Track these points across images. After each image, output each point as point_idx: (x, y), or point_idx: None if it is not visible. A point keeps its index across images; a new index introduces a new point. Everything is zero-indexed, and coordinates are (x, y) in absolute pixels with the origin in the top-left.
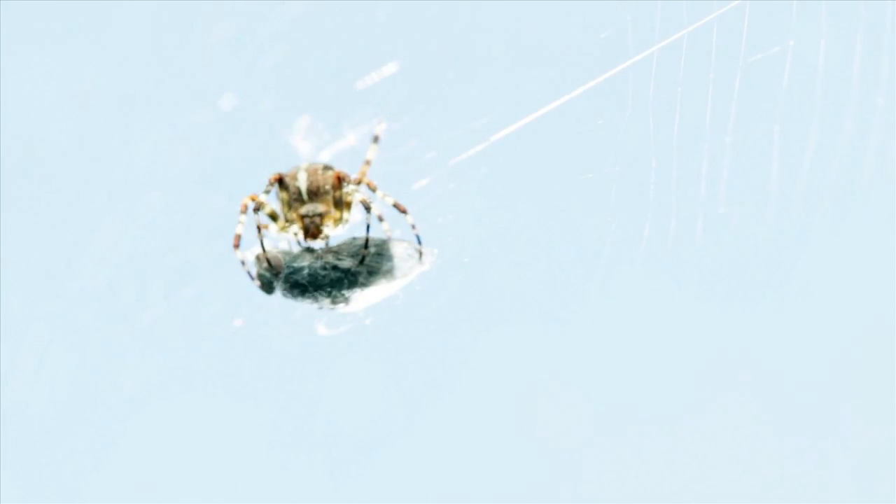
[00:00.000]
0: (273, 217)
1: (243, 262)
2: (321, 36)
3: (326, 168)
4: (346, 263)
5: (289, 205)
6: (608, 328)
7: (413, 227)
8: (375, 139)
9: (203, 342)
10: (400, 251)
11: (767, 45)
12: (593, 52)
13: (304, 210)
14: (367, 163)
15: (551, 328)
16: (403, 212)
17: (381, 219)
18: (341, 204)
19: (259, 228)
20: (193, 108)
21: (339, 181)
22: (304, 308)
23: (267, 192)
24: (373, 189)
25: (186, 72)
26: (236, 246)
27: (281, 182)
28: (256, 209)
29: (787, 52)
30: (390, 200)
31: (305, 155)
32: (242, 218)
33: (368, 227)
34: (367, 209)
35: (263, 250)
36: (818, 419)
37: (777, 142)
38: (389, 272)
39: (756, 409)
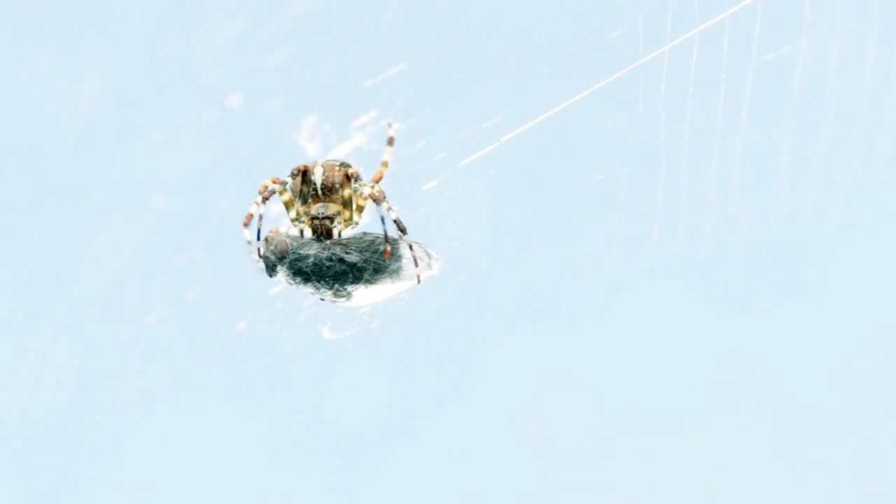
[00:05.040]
0: (288, 206)
1: (250, 242)
2: (328, 35)
3: (343, 165)
4: (353, 258)
5: (304, 199)
6: (616, 330)
7: (410, 247)
8: (390, 141)
9: (206, 345)
10: (409, 253)
11: (779, 44)
12: (604, 52)
13: (314, 211)
14: (385, 164)
15: (559, 330)
16: (402, 231)
17: (394, 217)
18: (352, 204)
19: (264, 200)
20: (198, 107)
21: (348, 179)
22: (308, 311)
23: (285, 182)
24: (381, 200)
25: (191, 71)
26: (246, 224)
27: (304, 175)
28: (273, 193)
29: (799, 51)
30: (393, 216)
31: (312, 155)
32: (259, 198)
33: (383, 219)
34: (377, 202)
35: (270, 232)
36: (828, 423)
37: (789, 141)
38: (396, 273)
39: (765, 411)
